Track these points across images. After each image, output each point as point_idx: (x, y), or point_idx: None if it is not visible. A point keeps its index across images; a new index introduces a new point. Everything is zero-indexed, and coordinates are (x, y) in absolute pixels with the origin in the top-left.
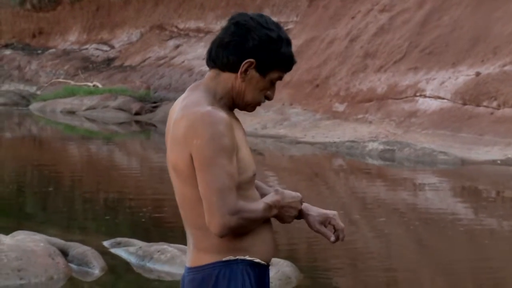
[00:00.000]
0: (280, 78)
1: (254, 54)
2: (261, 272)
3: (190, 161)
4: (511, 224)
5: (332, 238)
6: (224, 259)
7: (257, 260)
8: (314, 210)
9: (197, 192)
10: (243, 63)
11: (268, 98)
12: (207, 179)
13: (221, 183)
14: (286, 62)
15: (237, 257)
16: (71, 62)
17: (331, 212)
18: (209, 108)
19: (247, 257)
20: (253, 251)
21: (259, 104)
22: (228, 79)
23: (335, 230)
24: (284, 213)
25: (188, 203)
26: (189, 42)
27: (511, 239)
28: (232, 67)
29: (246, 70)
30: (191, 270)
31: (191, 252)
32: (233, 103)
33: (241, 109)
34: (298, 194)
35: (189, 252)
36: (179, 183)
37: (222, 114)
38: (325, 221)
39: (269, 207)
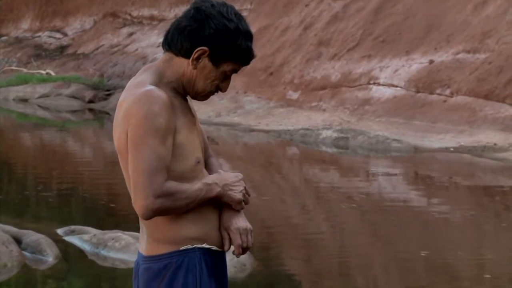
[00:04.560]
0: (235, 71)
1: (208, 43)
2: (218, 258)
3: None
4: (463, 211)
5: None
6: (181, 248)
7: (215, 248)
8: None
9: None
10: (196, 50)
11: (221, 89)
12: (134, 159)
13: (148, 164)
14: (241, 55)
15: (194, 245)
16: (23, 49)
17: (235, 224)
18: (149, 87)
19: (205, 245)
20: (209, 239)
21: (210, 94)
22: (180, 64)
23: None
24: (229, 191)
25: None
26: (142, 30)
27: (463, 225)
28: (185, 53)
29: (198, 58)
30: (147, 259)
31: (146, 241)
32: (184, 90)
33: (192, 97)
34: (238, 173)
35: (143, 240)
36: (123, 167)
37: (160, 94)
38: (227, 229)
39: (207, 185)
